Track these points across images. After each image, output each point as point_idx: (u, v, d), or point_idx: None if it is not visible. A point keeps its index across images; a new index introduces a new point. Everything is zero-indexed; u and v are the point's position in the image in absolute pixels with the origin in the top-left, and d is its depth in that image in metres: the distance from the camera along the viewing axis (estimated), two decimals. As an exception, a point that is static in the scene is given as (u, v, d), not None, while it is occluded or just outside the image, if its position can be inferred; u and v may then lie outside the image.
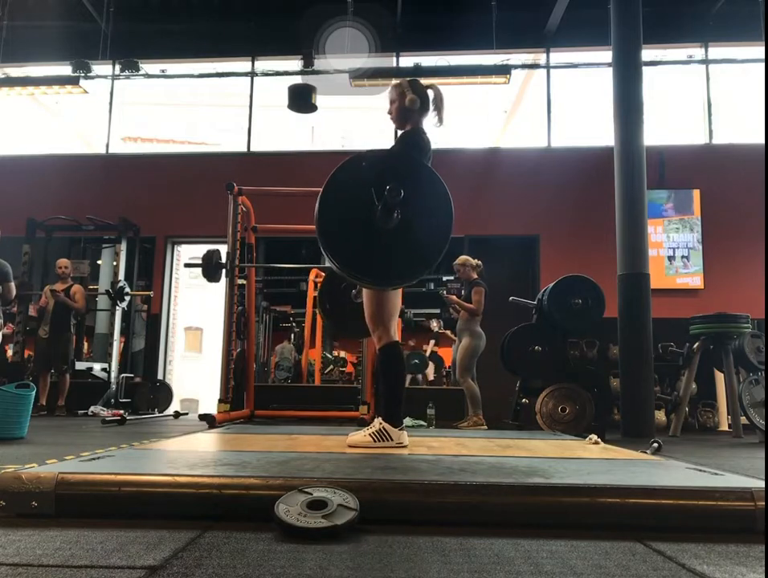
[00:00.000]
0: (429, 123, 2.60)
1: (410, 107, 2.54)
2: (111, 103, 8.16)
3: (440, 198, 1.97)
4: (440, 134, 10.07)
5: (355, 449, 2.24)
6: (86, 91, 7.37)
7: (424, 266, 1.94)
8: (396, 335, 2.47)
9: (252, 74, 8.12)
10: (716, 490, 1.37)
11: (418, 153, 2.45)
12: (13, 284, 5.04)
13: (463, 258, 5.22)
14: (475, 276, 5.14)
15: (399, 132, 2.68)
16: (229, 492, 1.36)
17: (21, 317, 6.71)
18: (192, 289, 17.50)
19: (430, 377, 7.86)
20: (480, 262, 5.24)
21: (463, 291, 5.40)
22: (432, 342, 8.40)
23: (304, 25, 7.30)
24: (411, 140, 2.53)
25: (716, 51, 7.76)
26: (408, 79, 2.64)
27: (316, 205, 1.91)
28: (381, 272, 1.88)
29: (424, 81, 2.64)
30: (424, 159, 2.48)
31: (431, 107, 2.57)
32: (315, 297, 6.80)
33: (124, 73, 7.98)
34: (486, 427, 4.81)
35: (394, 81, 2.66)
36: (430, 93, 2.58)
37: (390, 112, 2.66)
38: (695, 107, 7.82)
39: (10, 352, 7.06)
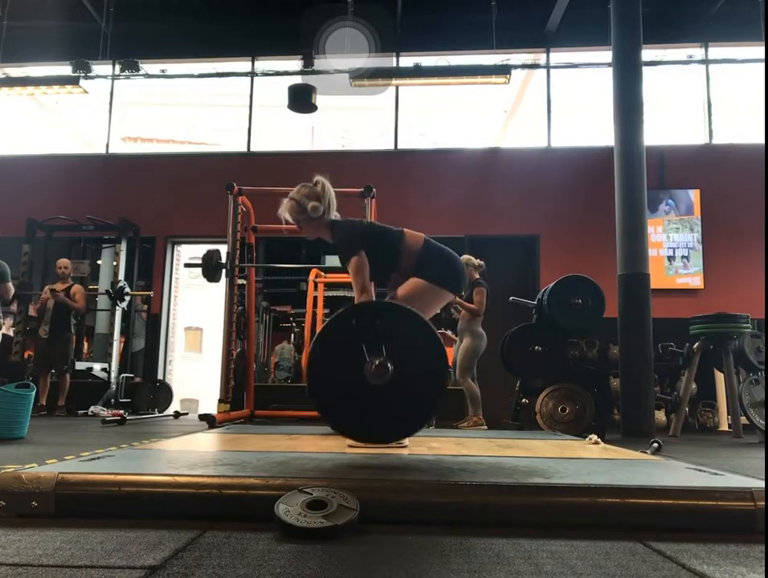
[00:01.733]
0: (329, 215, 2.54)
1: (315, 214, 2.50)
2: (111, 103, 8.16)
3: (432, 348, 1.94)
4: (440, 134, 10.08)
5: (355, 450, 2.24)
6: (86, 91, 7.37)
7: (422, 421, 1.94)
8: None
9: (252, 74, 8.12)
10: (716, 490, 1.38)
11: (359, 241, 2.43)
12: (10, 284, 5.03)
13: (466, 257, 5.19)
14: (477, 276, 5.13)
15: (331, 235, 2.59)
16: (229, 492, 1.36)
17: (21, 317, 6.71)
18: (192, 289, 17.50)
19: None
20: (482, 262, 5.22)
21: (464, 291, 5.39)
22: None
23: (304, 25, 7.30)
24: (344, 239, 2.49)
25: (716, 51, 7.76)
26: (293, 193, 2.58)
27: (306, 364, 1.93)
28: (379, 430, 1.87)
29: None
30: (364, 239, 2.45)
31: (329, 197, 2.53)
32: (315, 297, 6.80)
33: (124, 73, 7.98)
34: (486, 427, 4.81)
35: (284, 204, 2.58)
36: (318, 189, 2.53)
37: (305, 232, 2.61)
38: (695, 107, 7.82)
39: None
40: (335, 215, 2.58)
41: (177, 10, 8.05)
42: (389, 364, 1.83)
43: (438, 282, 2.47)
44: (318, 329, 7.06)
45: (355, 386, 1.84)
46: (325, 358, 1.91)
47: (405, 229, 2.58)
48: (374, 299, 2.48)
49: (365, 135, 11.26)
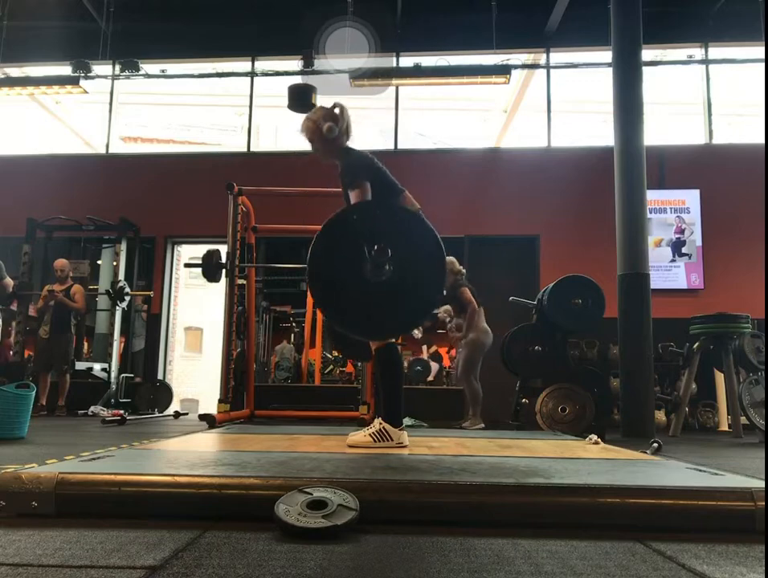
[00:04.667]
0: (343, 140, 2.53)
1: (330, 135, 2.47)
2: (111, 103, 8.16)
3: (431, 247, 1.94)
4: (440, 134, 10.08)
5: (355, 450, 2.24)
6: (86, 91, 7.37)
7: (418, 317, 1.93)
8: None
9: (252, 74, 8.12)
10: (716, 490, 1.38)
11: (367, 172, 2.41)
12: (7, 280, 5.01)
13: (449, 259, 5.15)
14: (456, 278, 5.06)
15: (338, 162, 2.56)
16: (229, 492, 1.36)
17: (21, 317, 6.71)
18: (192, 289, 17.52)
19: (431, 377, 7.86)
20: (463, 270, 5.19)
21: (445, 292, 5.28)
22: (425, 346, 8.41)
23: (304, 25, 7.29)
24: (354, 164, 2.46)
25: (716, 51, 7.76)
26: (310, 114, 2.55)
27: (307, 258, 1.90)
28: (376, 325, 1.86)
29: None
30: (372, 172, 2.44)
31: (346, 122, 2.52)
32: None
33: (124, 73, 7.97)
34: (483, 426, 4.83)
35: (302, 124, 2.54)
36: (336, 111, 2.52)
37: (315, 151, 2.57)
38: (695, 107, 7.82)
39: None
40: (350, 143, 2.55)
41: (177, 10, 8.05)
42: (387, 255, 1.81)
43: None
44: (318, 329, 7.08)
45: (355, 282, 1.84)
46: (326, 253, 1.89)
47: (406, 191, 2.54)
48: None
49: (365, 135, 11.26)
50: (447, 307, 5.23)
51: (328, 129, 2.46)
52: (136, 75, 8.01)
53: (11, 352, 6.78)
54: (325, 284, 1.88)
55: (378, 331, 1.81)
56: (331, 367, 7.76)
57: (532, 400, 4.81)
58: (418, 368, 7.44)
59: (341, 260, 1.87)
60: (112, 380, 6.72)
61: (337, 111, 2.52)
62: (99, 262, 7.84)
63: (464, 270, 5.21)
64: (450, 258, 5.09)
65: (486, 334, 5.01)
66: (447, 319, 5.27)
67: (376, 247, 1.81)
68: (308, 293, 6.84)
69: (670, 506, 1.34)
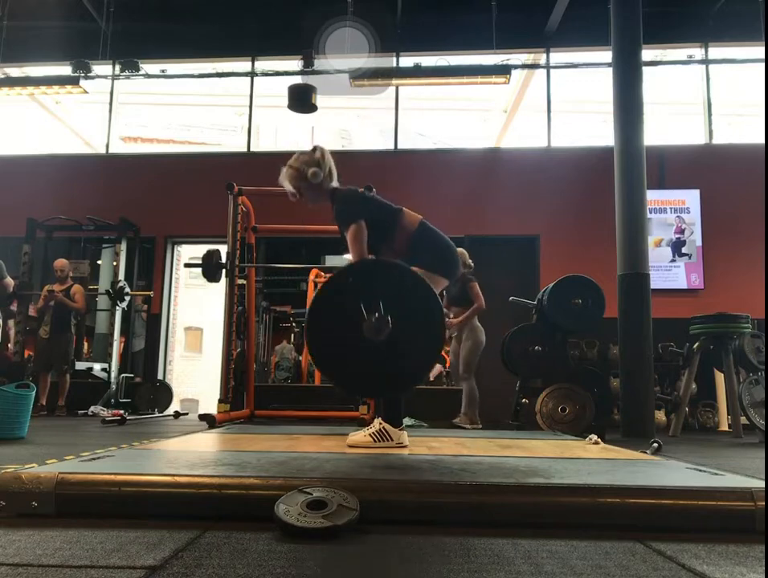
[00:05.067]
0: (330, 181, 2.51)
1: (315, 180, 2.45)
2: (111, 103, 8.16)
3: (430, 309, 1.94)
4: (441, 134, 10.08)
5: (355, 450, 2.24)
6: (86, 91, 7.37)
7: (414, 381, 1.92)
8: None
9: (252, 74, 8.12)
10: (716, 490, 1.38)
11: (359, 210, 2.39)
12: (8, 280, 5.01)
13: (461, 250, 5.16)
14: (463, 271, 5.07)
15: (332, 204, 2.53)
16: (229, 492, 1.36)
17: (21, 317, 6.71)
18: (192, 289, 17.52)
19: (431, 377, 7.85)
20: (471, 264, 5.20)
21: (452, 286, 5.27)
22: None
23: (304, 25, 7.29)
24: (344, 207, 2.43)
25: (717, 51, 7.76)
26: (291, 161, 2.53)
27: (306, 318, 1.91)
28: (373, 385, 1.86)
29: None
30: (364, 208, 2.42)
31: (329, 165, 2.50)
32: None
33: (124, 73, 7.97)
34: (480, 426, 4.82)
35: (282, 172, 2.52)
36: (318, 155, 2.49)
37: (304, 199, 2.53)
38: (695, 107, 7.82)
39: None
40: (335, 183, 2.53)
41: (177, 10, 8.05)
42: (387, 319, 1.81)
43: (431, 269, 2.40)
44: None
45: (354, 341, 1.83)
46: (324, 315, 1.89)
47: (404, 208, 2.54)
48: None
49: (365, 135, 11.27)
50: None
51: (313, 174, 2.44)
52: (136, 75, 8.01)
53: (12, 353, 6.78)
54: (324, 346, 1.89)
55: (380, 391, 1.82)
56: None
57: (532, 400, 4.80)
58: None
59: (339, 323, 1.88)
60: (112, 380, 6.72)
61: (317, 154, 2.49)
62: (99, 262, 7.84)
63: (473, 264, 5.21)
64: (461, 250, 5.11)
65: (482, 332, 5.02)
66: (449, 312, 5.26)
67: (376, 316, 1.81)
68: (310, 292, 6.85)
69: (670, 506, 1.34)
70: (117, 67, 8.06)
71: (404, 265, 2.04)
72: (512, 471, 1.66)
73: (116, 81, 8.21)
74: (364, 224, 2.36)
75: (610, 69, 5.62)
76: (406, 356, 1.86)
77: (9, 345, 7.09)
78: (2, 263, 5.01)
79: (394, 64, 7.88)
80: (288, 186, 2.52)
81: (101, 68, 8.05)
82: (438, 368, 7.89)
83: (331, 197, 2.51)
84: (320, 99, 7.26)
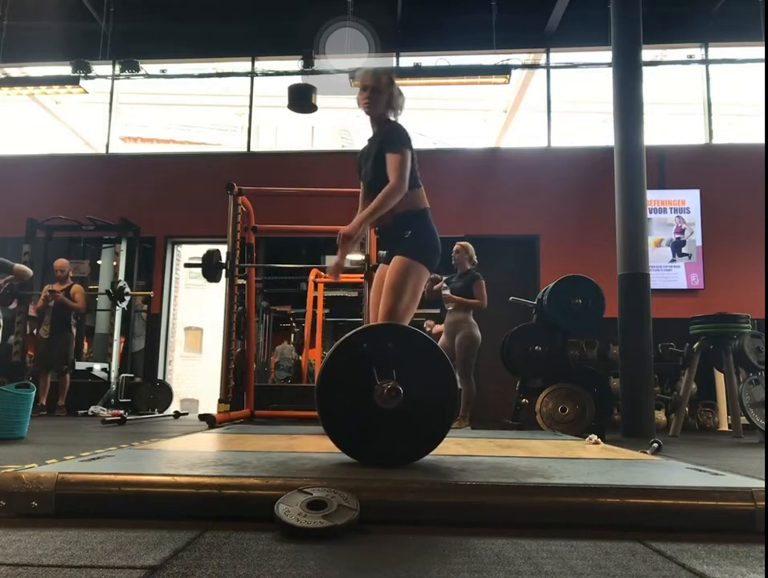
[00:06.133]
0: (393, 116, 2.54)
1: (394, 101, 2.48)
2: (111, 103, 8.16)
3: (442, 377, 1.90)
4: (441, 134, 10.08)
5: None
6: (86, 91, 7.37)
7: (425, 450, 1.89)
8: None
9: (252, 74, 8.12)
10: (716, 490, 1.38)
11: (410, 145, 2.45)
12: (20, 266, 5.08)
13: (466, 243, 5.15)
14: (470, 267, 5.06)
15: (375, 122, 2.56)
16: (229, 492, 1.36)
17: (21, 317, 6.71)
18: (192, 289, 17.52)
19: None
20: (476, 261, 5.20)
21: (453, 279, 5.26)
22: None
23: (304, 25, 7.29)
24: (402, 131, 2.47)
25: (717, 51, 7.76)
26: (383, 72, 2.54)
27: (316, 383, 1.88)
28: (383, 454, 1.83)
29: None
30: (412, 150, 2.48)
31: (402, 103, 2.55)
32: (315, 297, 6.79)
33: (124, 73, 7.97)
34: (470, 427, 4.77)
35: (371, 69, 2.51)
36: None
37: (368, 98, 2.46)
38: (695, 107, 7.82)
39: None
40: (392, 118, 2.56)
41: (177, 10, 8.04)
42: (399, 388, 1.80)
43: (421, 259, 2.41)
44: (318, 329, 7.08)
45: (364, 408, 1.82)
46: (335, 380, 1.88)
47: (422, 186, 2.62)
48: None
49: (365, 135, 11.25)
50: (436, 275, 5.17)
51: (400, 93, 2.49)
52: (136, 75, 8.01)
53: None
54: (335, 412, 1.87)
55: (391, 460, 1.80)
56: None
57: (532, 400, 4.80)
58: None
59: (350, 387, 1.86)
60: (112, 380, 6.72)
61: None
62: (99, 262, 7.83)
63: (477, 263, 5.19)
64: (467, 244, 5.11)
65: (477, 327, 4.97)
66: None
67: (388, 387, 1.79)
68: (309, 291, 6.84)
69: (670, 506, 1.34)
70: (117, 67, 8.06)
71: (415, 330, 2.00)
72: (512, 471, 1.66)
73: (116, 81, 8.21)
74: (410, 158, 2.41)
75: (610, 69, 5.63)
76: (419, 425, 1.85)
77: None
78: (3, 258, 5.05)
79: (394, 64, 7.88)
80: (369, 79, 2.47)
81: (101, 68, 8.05)
82: None
83: (386, 121, 2.52)
84: (320, 99, 7.26)
